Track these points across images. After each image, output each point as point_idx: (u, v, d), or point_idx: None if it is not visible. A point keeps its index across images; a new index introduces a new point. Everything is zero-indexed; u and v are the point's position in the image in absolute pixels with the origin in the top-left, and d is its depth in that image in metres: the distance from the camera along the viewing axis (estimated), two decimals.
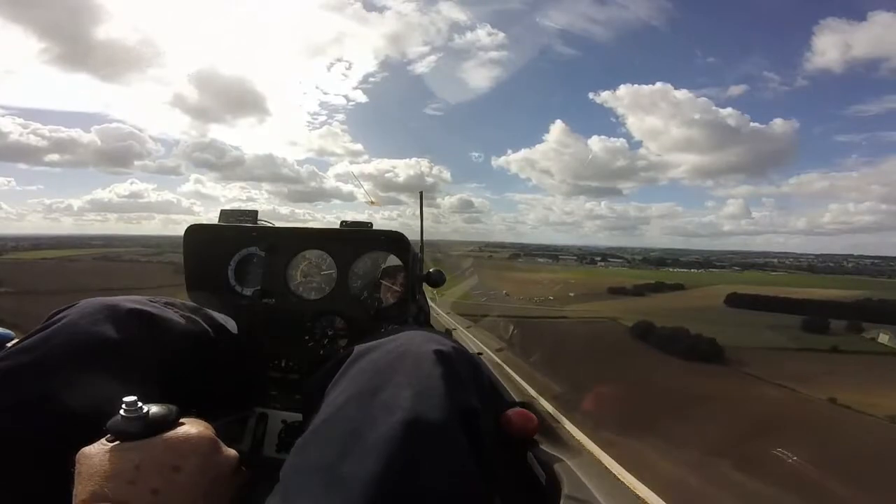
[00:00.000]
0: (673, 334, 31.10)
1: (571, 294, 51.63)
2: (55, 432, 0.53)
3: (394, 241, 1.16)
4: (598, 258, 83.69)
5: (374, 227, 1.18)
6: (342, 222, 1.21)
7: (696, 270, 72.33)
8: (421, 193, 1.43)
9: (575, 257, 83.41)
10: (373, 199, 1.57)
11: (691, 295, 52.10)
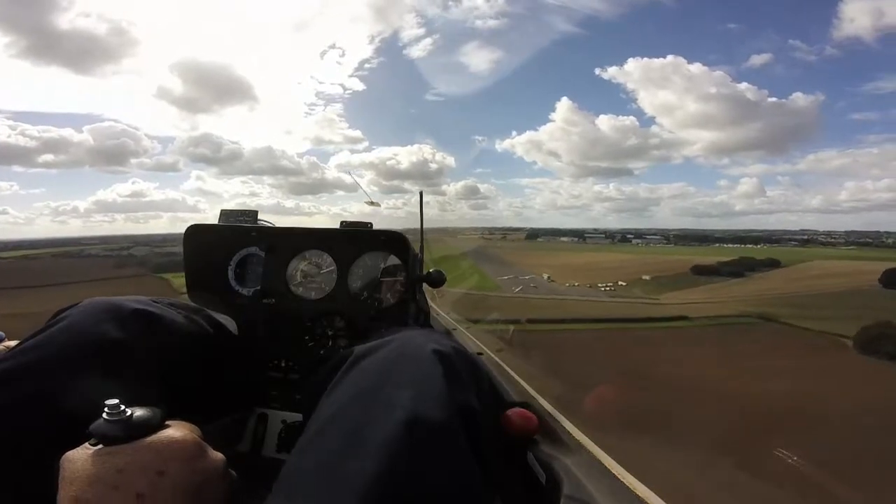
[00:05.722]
0: None
1: (646, 277, 37.03)
2: (57, 433, 0.51)
3: (393, 241, 1.16)
4: (631, 236, 70.74)
5: (374, 227, 1.18)
6: (342, 222, 1.21)
7: (752, 245, 59.93)
8: (421, 193, 1.44)
9: (603, 235, 70.85)
10: (372, 200, 1.62)
11: (807, 273, 38.22)
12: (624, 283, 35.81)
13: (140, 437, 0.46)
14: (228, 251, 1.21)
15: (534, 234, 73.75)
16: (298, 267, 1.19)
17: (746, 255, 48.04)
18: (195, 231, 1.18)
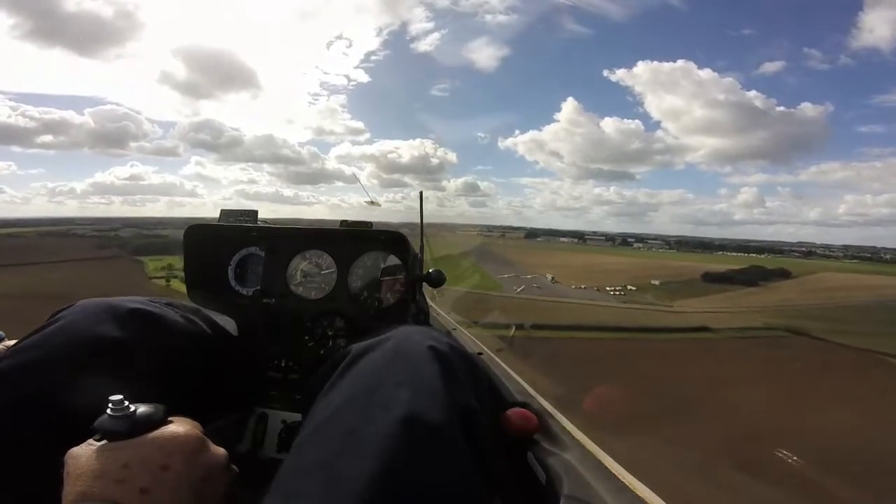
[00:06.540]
0: None
1: (655, 282, 34.77)
2: (55, 432, 0.51)
3: (393, 240, 1.16)
4: (632, 240, 69.46)
5: (373, 221, 1.19)
6: (342, 222, 1.22)
7: (755, 255, 58.52)
8: (421, 193, 1.45)
9: (604, 238, 70.84)
10: (373, 200, 1.63)
11: (821, 285, 36.32)
12: (633, 288, 33.72)
13: (144, 433, 0.46)
14: (228, 251, 1.21)
15: (532, 234, 72.84)
16: (298, 267, 1.20)
17: (752, 263, 46.49)
18: (195, 231, 1.18)
